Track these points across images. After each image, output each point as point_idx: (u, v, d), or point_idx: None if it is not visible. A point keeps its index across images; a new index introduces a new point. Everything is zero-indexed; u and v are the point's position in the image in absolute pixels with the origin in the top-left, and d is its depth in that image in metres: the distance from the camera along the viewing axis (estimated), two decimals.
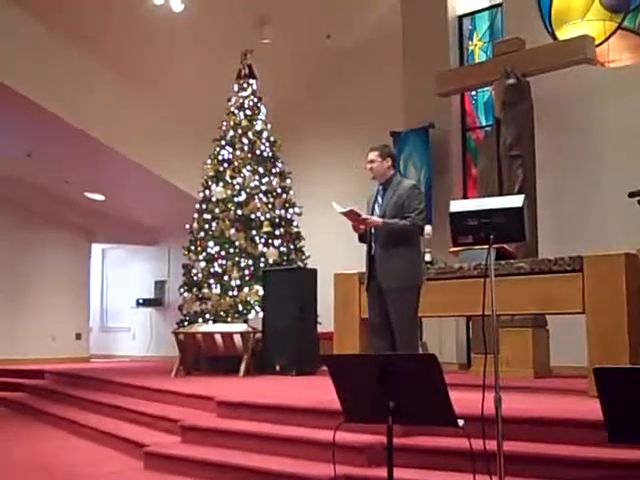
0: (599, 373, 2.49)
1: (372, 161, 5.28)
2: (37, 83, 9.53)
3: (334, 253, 9.59)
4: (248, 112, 9.98)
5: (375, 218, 5.17)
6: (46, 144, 10.98)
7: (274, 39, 10.33)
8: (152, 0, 9.38)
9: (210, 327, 8.89)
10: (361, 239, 5.35)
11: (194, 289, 9.49)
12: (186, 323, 9.44)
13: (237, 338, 8.49)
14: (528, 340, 7.19)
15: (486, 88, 9.38)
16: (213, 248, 9.41)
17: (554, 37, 8.97)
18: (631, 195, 5.57)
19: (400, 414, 2.98)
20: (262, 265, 9.22)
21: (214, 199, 9.60)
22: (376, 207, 5.29)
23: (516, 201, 3.68)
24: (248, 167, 9.64)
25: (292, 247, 9.61)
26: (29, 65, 9.45)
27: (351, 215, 5.13)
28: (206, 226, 9.58)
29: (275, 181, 9.75)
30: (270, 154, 9.88)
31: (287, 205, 9.74)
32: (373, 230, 5.20)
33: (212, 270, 9.35)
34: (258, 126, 9.96)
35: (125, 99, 10.68)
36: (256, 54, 10.06)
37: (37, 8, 9.33)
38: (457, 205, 3.80)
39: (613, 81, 8.31)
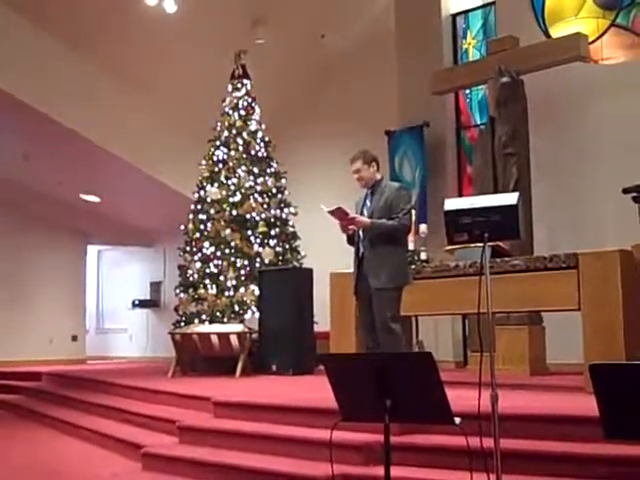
0: (595, 369, 2.49)
1: (358, 170, 5.25)
2: (32, 86, 9.51)
3: (330, 253, 9.55)
4: (242, 112, 9.97)
5: (363, 218, 5.16)
6: (41, 146, 10.97)
7: (269, 39, 10.33)
8: (145, 1, 9.39)
9: (206, 328, 8.88)
10: (349, 241, 5.33)
11: (190, 290, 9.47)
12: (182, 324, 9.42)
13: (233, 338, 8.49)
14: (524, 337, 7.20)
15: (480, 86, 9.39)
16: (209, 249, 9.40)
17: (547, 35, 8.98)
18: (625, 191, 5.59)
19: (397, 412, 2.98)
20: (258, 265, 9.22)
21: (209, 200, 9.59)
22: (364, 210, 5.28)
23: (511, 199, 3.69)
24: (243, 167, 9.64)
25: (288, 247, 9.61)
26: (24, 68, 9.44)
27: (339, 214, 5.09)
28: (201, 227, 9.57)
29: (270, 181, 9.75)
30: (265, 154, 9.88)
31: (282, 205, 9.74)
32: (361, 231, 5.20)
33: (208, 270, 9.35)
34: (252, 126, 9.95)
35: (119, 100, 10.67)
36: (251, 54, 10.06)
37: (32, 11, 9.32)
38: (452, 203, 3.80)
39: (607, 78, 8.32)
